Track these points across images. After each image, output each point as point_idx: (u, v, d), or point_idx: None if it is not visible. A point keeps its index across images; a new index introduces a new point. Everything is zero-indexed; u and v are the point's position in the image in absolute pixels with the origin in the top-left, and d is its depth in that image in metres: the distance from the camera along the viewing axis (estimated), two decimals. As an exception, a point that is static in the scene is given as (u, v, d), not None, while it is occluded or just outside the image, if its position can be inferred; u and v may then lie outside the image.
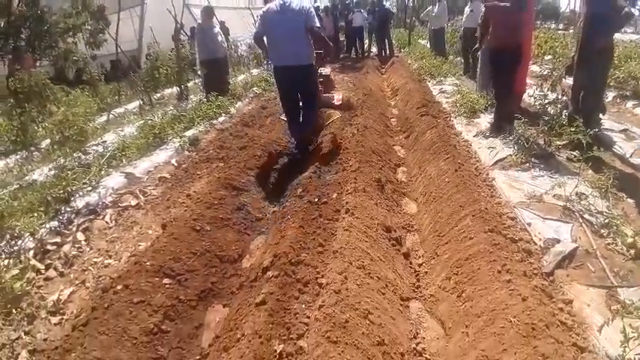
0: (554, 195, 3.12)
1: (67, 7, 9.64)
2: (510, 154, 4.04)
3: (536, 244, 2.42)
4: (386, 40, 12.98)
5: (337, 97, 5.69)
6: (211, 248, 2.68)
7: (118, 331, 1.91)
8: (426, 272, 2.51)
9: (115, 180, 3.93)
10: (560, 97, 5.14)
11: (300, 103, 4.48)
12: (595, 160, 3.64)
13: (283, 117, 5.46)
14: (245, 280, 2.45)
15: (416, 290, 2.29)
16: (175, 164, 4.51)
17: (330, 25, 12.20)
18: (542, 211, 2.90)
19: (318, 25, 4.14)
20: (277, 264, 2.19)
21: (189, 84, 8.26)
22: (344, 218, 2.71)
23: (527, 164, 3.82)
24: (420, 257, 2.76)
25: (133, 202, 3.57)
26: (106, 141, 5.31)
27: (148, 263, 2.36)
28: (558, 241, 2.40)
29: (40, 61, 8.78)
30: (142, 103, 7.51)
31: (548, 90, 5.17)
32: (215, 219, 2.98)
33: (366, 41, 14.10)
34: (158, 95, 8.27)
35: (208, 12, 6.96)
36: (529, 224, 2.67)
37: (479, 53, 6.53)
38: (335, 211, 2.93)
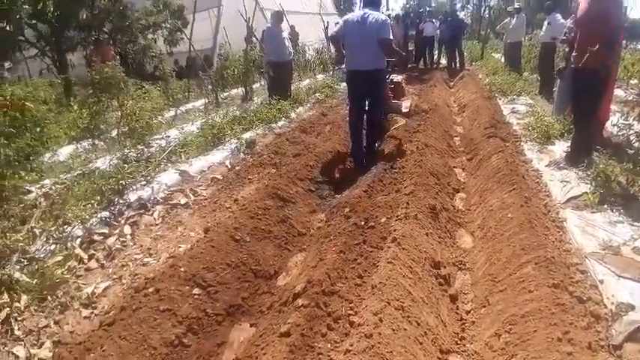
0: (634, 248, 2.68)
1: (150, 4, 10.25)
2: (586, 192, 3.58)
3: (606, 307, 2.06)
4: (457, 52, 12.44)
5: (405, 105, 5.93)
6: (248, 261, 2.61)
7: (139, 338, 1.89)
8: (474, 322, 2.24)
9: (169, 176, 4.03)
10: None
11: (367, 106, 4.76)
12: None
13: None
14: (277, 300, 2.34)
15: (459, 342, 2.03)
16: (229, 166, 4.55)
17: (400, 33, 11.90)
18: (618, 266, 2.47)
19: (389, 37, 4.48)
20: (310, 292, 2.05)
21: (255, 86, 8.42)
22: (389, 248, 2.51)
23: (605, 205, 3.35)
24: (469, 302, 2.48)
25: (183, 201, 3.62)
26: (169, 136, 5.51)
27: (182, 269, 2.33)
28: (633, 308, 2.01)
29: (120, 55, 9.37)
30: (207, 101, 7.76)
31: (634, 119, 4.58)
32: (256, 230, 2.91)
33: (436, 52, 13.60)
34: (225, 94, 8.51)
35: (278, 16, 7.04)
36: (601, 281, 2.30)
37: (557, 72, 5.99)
38: (381, 238, 2.74)
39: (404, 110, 5.86)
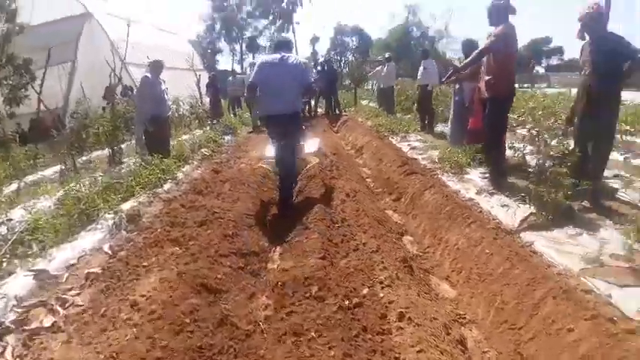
0: (612, 255, 2.63)
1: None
2: (532, 213, 3.44)
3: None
4: (333, 100, 12.80)
5: (311, 144, 5.99)
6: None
7: None
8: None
9: (20, 283, 2.63)
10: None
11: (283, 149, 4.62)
12: (609, 210, 3.48)
13: (263, 164, 5.83)
14: None
15: None
16: (109, 251, 3.27)
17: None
18: (614, 277, 2.37)
19: (310, 80, 4.59)
20: None
21: (123, 145, 7.02)
22: (402, 329, 1.74)
23: (554, 222, 3.26)
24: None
25: (47, 322, 2.29)
26: (11, 219, 3.90)
27: None
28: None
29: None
30: (63, 168, 6.10)
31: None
32: (185, 350, 1.84)
33: (312, 100, 13.81)
34: (84, 158, 6.90)
35: (157, 65, 6.00)
36: (609, 296, 2.11)
37: (450, 108, 6.27)
38: (380, 316, 1.96)
39: (311, 150, 5.83)
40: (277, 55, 4.38)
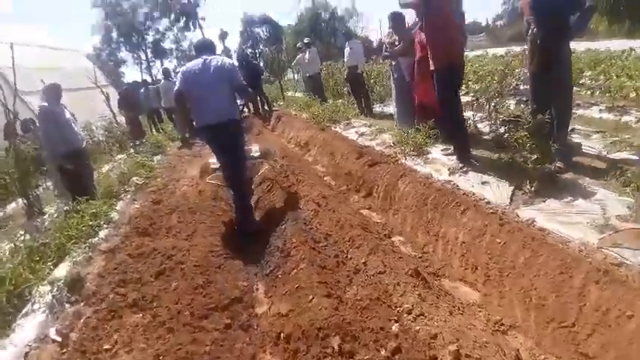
0: (618, 217, 2.50)
1: None
2: (516, 186, 3.33)
3: None
4: (260, 97, 12.21)
5: (255, 149, 5.65)
6: None
7: None
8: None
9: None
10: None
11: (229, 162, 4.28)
12: (583, 167, 3.45)
13: (211, 180, 5.37)
14: None
15: None
16: (57, 338, 2.62)
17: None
18: (632, 241, 2.21)
19: (242, 81, 4.13)
20: None
21: (40, 190, 6.00)
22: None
23: (541, 192, 3.15)
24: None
25: None
26: None
27: None
28: None
29: None
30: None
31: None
32: None
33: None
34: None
35: (55, 90, 5.04)
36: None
37: (392, 85, 6.09)
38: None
39: (255, 155, 5.53)
40: (199, 60, 4.03)
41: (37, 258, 3.63)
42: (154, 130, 11.31)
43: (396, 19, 5.84)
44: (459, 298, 2.49)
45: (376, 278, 2.37)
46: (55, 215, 5.55)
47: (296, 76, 19.79)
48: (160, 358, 2.01)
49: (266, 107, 12.17)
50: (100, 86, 10.10)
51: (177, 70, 10.25)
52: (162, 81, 9.39)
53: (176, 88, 4.11)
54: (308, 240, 3.00)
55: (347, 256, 2.75)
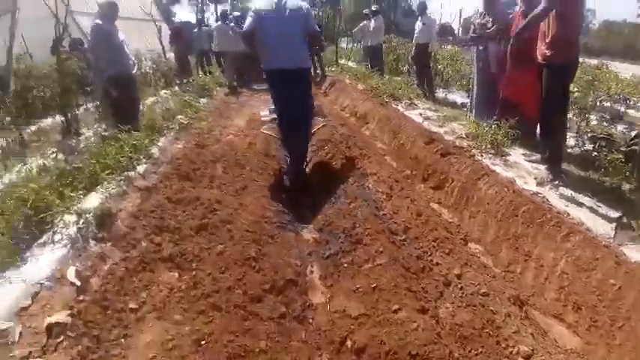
0: None
1: None
2: (616, 215, 2.73)
3: None
4: (316, 58, 11.52)
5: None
6: None
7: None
8: None
9: None
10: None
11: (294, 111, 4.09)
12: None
13: (266, 131, 5.20)
14: None
15: None
16: (76, 281, 2.23)
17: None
18: None
19: (316, 28, 4.11)
20: None
21: (79, 111, 5.67)
22: None
23: None
24: None
25: None
26: None
27: None
28: None
29: None
30: (4, 145, 4.76)
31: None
32: None
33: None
34: (34, 128, 5.51)
35: (112, 9, 4.56)
36: None
37: (472, 74, 5.40)
38: None
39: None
40: (274, 0, 3.81)
41: (67, 182, 3.25)
42: (200, 72, 10.88)
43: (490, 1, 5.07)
44: (555, 339, 1.97)
45: (476, 299, 1.86)
46: (92, 139, 5.22)
47: (350, 45, 18.78)
48: (203, 344, 1.56)
49: (318, 71, 11.52)
50: (155, 19, 9.62)
51: (232, 14, 9.58)
52: (218, 23, 8.84)
53: (246, 27, 3.88)
54: (385, 230, 2.48)
55: (432, 261, 2.24)
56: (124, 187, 3.46)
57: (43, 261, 2.30)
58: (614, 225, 2.68)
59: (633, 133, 4.15)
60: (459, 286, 2.04)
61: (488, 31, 4.98)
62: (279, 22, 3.77)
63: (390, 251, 2.23)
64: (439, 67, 8.67)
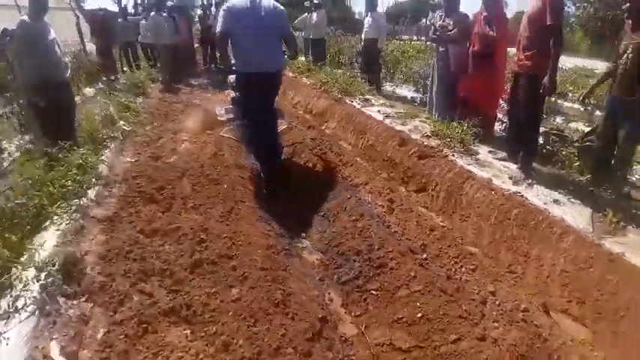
0: None
1: None
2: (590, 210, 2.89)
3: None
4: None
5: None
6: None
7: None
8: None
9: None
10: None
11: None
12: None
13: (226, 134, 4.98)
14: None
15: None
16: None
17: (186, 29, 9.50)
18: None
19: (292, 32, 4.05)
20: None
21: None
22: None
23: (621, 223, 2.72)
24: None
25: None
26: None
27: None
28: None
29: None
30: None
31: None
32: None
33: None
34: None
35: (42, 2, 3.80)
36: None
37: (433, 72, 5.42)
38: None
39: None
40: None
41: (8, 224, 2.64)
42: (125, 67, 9.84)
43: (451, 1, 5.15)
44: (566, 331, 2.01)
45: (517, 315, 1.80)
46: (17, 155, 4.43)
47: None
48: None
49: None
50: (73, 8, 8.43)
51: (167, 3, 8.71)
52: (152, 12, 7.94)
53: (220, 27, 3.67)
54: (408, 251, 2.33)
55: (461, 279, 2.14)
56: (80, 220, 2.92)
57: (13, 339, 1.80)
58: (589, 220, 2.83)
59: (586, 130, 4.44)
60: (496, 302, 1.98)
61: (449, 33, 5.04)
62: (254, 22, 3.58)
63: (422, 275, 2.09)
64: (387, 60, 8.68)
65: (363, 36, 8.06)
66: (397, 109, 6.10)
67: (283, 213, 3.38)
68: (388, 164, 4.28)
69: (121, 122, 5.07)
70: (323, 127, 5.96)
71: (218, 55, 10.99)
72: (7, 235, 2.47)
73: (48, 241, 2.60)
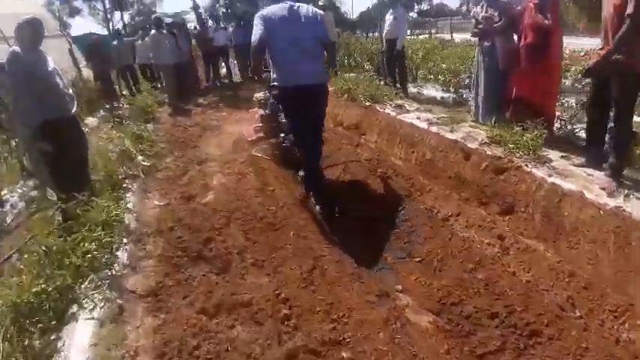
0: None
1: None
2: None
3: None
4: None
5: None
6: None
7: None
8: None
9: None
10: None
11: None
12: None
13: (259, 153, 4.44)
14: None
15: None
16: None
17: (187, 46, 8.83)
18: None
19: (333, 40, 3.94)
20: None
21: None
22: None
23: None
24: None
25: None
26: None
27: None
28: None
29: None
30: None
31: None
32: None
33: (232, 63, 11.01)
34: None
35: (35, 28, 3.10)
36: None
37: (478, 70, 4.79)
38: None
39: None
40: (285, 5, 3.29)
41: (29, 321, 1.95)
42: (124, 91, 9.17)
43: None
44: None
45: None
46: (21, 206, 3.76)
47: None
48: None
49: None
50: (64, 34, 7.77)
51: (165, 21, 8.04)
52: (153, 32, 7.26)
53: (257, 36, 3.20)
54: (560, 311, 1.67)
55: (629, 339, 1.49)
56: (117, 299, 2.23)
57: None
58: None
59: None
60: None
61: (495, 25, 4.44)
62: (297, 31, 3.25)
63: (593, 342, 1.43)
64: (415, 60, 8.08)
65: (384, 36, 7.41)
66: (435, 113, 5.46)
67: (364, 256, 2.71)
68: (456, 182, 3.63)
69: (139, 157, 4.38)
70: (362, 141, 5.29)
71: (224, 69, 10.48)
72: (26, 342, 1.79)
73: (80, 337, 1.94)
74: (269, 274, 2.44)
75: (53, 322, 1.97)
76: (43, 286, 2.02)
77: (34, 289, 1.98)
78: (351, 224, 3.25)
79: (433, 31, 25.75)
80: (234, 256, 2.63)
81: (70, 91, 3.56)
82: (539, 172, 3.27)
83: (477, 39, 4.91)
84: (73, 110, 3.44)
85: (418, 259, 2.67)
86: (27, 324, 1.90)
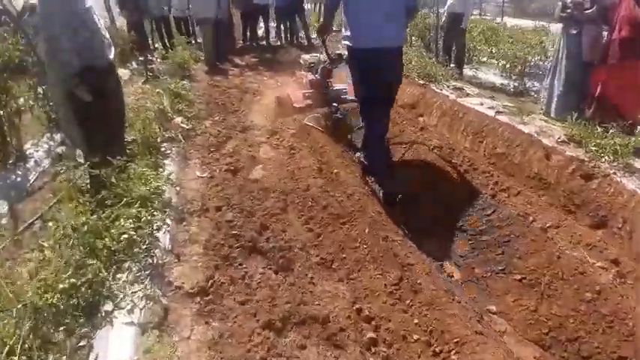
0: None
1: None
2: None
3: None
4: (299, 22, 9.70)
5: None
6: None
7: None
8: None
9: None
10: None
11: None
12: None
13: (310, 122, 3.86)
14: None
15: None
16: None
17: (226, 2, 8.17)
18: None
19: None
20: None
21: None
22: None
23: None
24: None
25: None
26: None
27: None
28: None
29: None
30: None
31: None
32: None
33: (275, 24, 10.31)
34: None
35: None
36: None
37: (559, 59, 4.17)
38: None
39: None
40: None
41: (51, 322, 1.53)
42: (158, 44, 8.65)
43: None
44: None
45: None
46: (46, 164, 3.37)
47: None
48: None
49: (301, 38, 9.75)
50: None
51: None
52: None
53: None
54: None
55: None
56: (160, 297, 1.81)
57: None
58: None
59: None
60: None
61: (587, 12, 3.96)
62: None
63: None
64: (477, 40, 7.36)
65: (446, 9, 6.65)
66: (499, 100, 4.85)
67: (448, 264, 2.23)
68: (536, 183, 3.09)
69: (178, 119, 3.91)
70: (420, 123, 4.70)
71: (261, 29, 9.82)
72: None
73: (117, 348, 1.53)
74: (342, 280, 1.98)
75: (84, 329, 1.55)
76: (71, 280, 1.59)
77: (60, 286, 1.54)
78: (425, 222, 2.75)
79: (477, 12, 24.13)
80: (296, 252, 2.17)
81: (108, 35, 3.05)
82: (630, 184, 2.71)
83: (560, 25, 4.33)
84: (111, 56, 2.94)
85: (518, 277, 2.18)
86: (51, 330, 1.47)
